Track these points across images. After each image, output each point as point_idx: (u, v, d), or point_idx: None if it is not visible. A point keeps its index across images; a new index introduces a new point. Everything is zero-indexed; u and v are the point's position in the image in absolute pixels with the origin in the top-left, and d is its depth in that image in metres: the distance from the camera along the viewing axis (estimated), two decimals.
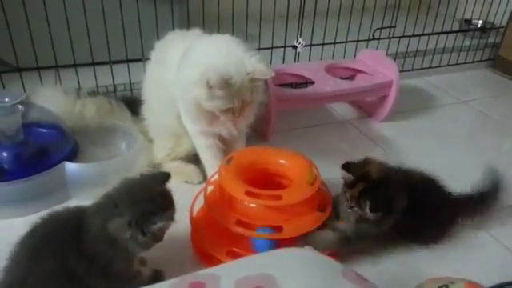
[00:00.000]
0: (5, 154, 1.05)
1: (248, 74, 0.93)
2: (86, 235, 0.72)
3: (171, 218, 0.75)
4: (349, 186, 0.88)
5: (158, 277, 0.84)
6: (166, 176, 0.79)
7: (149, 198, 0.74)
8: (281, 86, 1.46)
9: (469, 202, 1.04)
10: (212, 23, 1.40)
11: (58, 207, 1.02)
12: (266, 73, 0.94)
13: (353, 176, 0.87)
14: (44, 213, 0.78)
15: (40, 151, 1.08)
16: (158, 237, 0.75)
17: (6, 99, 1.04)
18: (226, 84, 0.91)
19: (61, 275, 0.70)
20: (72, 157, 1.12)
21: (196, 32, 1.10)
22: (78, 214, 0.76)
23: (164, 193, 0.77)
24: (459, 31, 1.95)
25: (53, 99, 1.20)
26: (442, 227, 1.02)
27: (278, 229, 0.86)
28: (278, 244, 0.85)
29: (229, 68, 0.92)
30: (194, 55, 0.99)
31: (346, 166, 0.89)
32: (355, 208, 0.87)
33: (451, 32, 1.89)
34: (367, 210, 0.85)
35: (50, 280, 0.70)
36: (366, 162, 0.91)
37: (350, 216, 0.90)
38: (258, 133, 1.36)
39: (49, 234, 0.73)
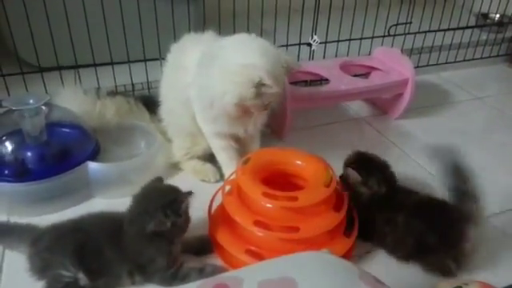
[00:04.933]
0: (29, 154, 1.08)
1: (283, 67, 1.00)
2: (126, 239, 0.85)
3: (187, 196, 0.87)
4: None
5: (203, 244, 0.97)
6: (160, 178, 0.95)
7: (162, 192, 0.89)
8: (295, 84, 1.47)
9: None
10: (227, 19, 1.41)
11: (82, 205, 1.08)
12: (296, 64, 1.06)
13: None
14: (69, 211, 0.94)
15: (63, 151, 1.11)
16: (187, 216, 0.88)
17: (31, 101, 1.05)
18: (276, 80, 0.95)
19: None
20: (94, 156, 1.14)
21: (210, 35, 1.13)
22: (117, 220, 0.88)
23: (168, 185, 0.93)
24: (475, 26, 1.92)
25: (74, 100, 1.22)
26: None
27: (295, 229, 0.88)
28: None
29: (273, 65, 0.97)
30: (227, 58, 0.98)
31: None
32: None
33: (467, 27, 1.87)
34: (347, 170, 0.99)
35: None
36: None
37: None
38: (273, 131, 1.37)
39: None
